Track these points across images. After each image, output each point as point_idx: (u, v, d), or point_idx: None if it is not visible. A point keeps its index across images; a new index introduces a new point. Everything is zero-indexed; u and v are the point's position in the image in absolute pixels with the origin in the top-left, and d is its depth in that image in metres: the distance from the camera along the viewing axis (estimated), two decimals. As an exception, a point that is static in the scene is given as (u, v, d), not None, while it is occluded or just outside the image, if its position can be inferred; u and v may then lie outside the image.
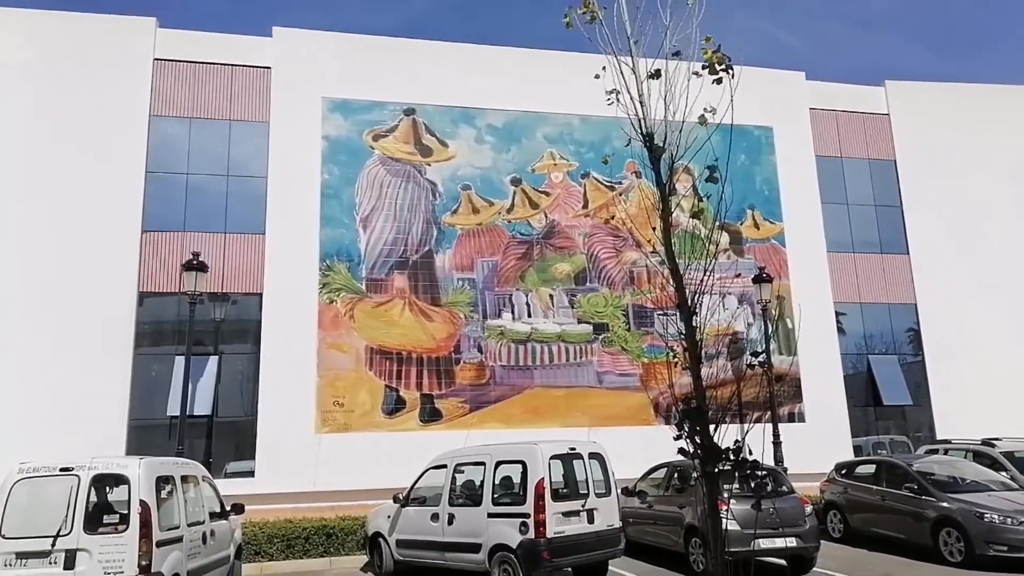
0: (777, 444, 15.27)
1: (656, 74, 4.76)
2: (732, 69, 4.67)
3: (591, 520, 9.69)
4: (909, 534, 11.64)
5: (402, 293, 17.58)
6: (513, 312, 18.09)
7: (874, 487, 12.63)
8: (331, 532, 12.40)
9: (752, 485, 4.69)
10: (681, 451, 4.68)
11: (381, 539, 11.40)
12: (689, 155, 4.84)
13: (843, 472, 13.72)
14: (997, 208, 21.21)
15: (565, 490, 9.82)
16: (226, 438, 16.57)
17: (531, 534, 9.17)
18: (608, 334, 18.39)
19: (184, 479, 8.76)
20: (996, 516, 10.50)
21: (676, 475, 11.55)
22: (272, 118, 17.77)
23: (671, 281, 4.73)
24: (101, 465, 7.74)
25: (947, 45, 72.02)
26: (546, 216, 18.87)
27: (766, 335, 17.21)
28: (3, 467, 7.89)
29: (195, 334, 14.93)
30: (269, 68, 18.07)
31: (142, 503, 7.45)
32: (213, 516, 9.40)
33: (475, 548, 9.79)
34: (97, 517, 7.60)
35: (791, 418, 18.52)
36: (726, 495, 4.90)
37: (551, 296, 18.38)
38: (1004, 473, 12.53)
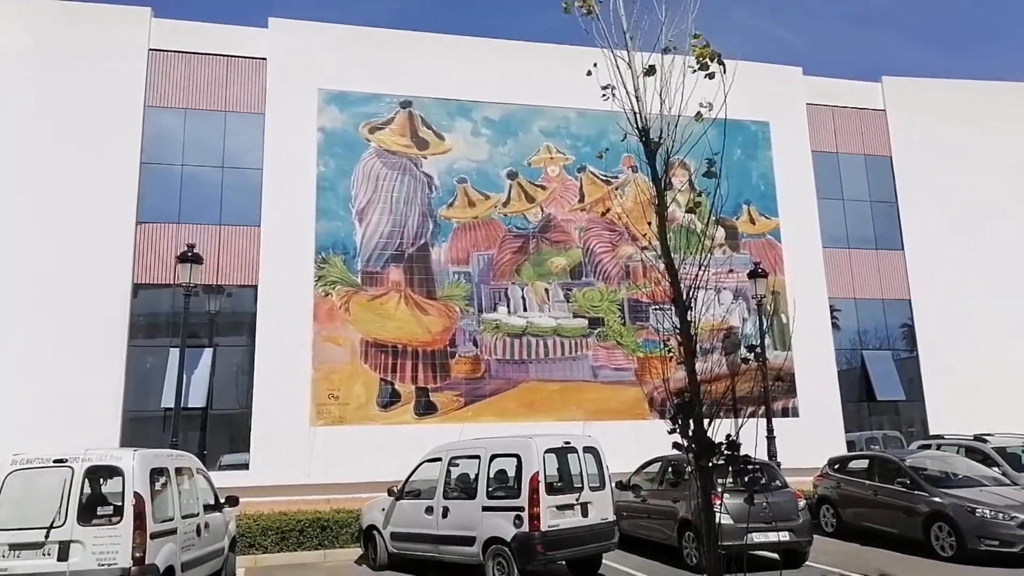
0: (771, 439, 15.34)
1: (651, 70, 4.76)
2: (724, 64, 4.66)
3: (585, 514, 9.73)
4: (901, 528, 11.72)
5: (398, 286, 17.56)
6: (509, 306, 18.09)
7: (867, 482, 12.70)
8: (325, 525, 12.41)
9: (745, 479, 4.71)
10: (675, 445, 4.70)
11: (375, 532, 11.42)
12: (685, 150, 4.84)
13: (836, 467, 13.79)
14: (993, 205, 21.26)
15: (559, 484, 9.86)
16: (221, 430, 16.56)
17: (525, 527, 9.20)
18: (603, 328, 18.41)
19: (178, 471, 8.75)
20: (987, 511, 10.57)
21: (670, 469, 11.60)
22: (268, 109, 17.69)
23: (667, 276, 4.74)
24: (95, 457, 7.73)
25: (945, 42, 72.08)
26: (542, 210, 18.85)
27: (761, 330, 17.26)
28: (-4, 458, 7.87)
29: (190, 326, 14.90)
30: (265, 59, 17.98)
31: (136, 495, 7.44)
32: (207, 508, 9.40)
33: (469, 541, 9.82)
34: (91, 509, 7.60)
35: (785, 413, 18.59)
36: (720, 489, 4.92)
37: (547, 290, 18.38)
38: (996, 469, 12.61)
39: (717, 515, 4.77)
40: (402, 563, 11.11)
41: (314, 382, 16.52)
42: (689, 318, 4.71)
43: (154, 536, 7.53)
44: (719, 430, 4.65)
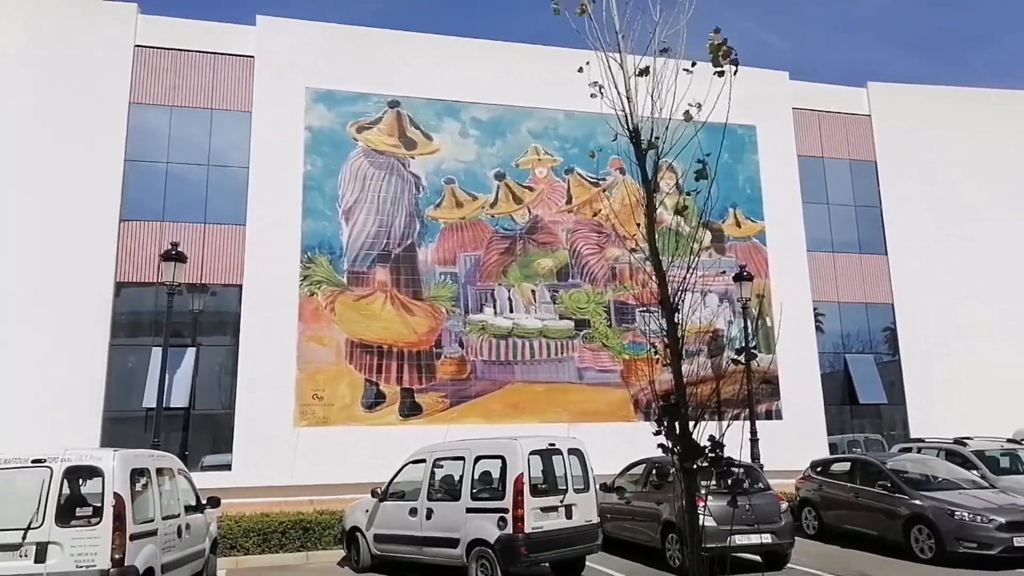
0: (754, 441, 15.41)
1: (644, 71, 4.76)
2: (737, 64, 4.66)
3: (569, 515, 9.72)
4: (882, 531, 11.81)
5: (384, 286, 17.49)
6: (495, 307, 18.08)
7: (848, 484, 12.78)
8: (308, 526, 12.32)
9: (729, 482, 4.72)
10: (661, 447, 4.71)
11: (359, 533, 11.36)
12: (674, 152, 4.85)
13: (818, 469, 13.88)
14: (976, 210, 21.51)
15: (544, 485, 9.85)
16: (203, 431, 16.41)
17: (509, 529, 9.18)
18: (589, 330, 18.44)
19: (159, 472, 8.66)
20: (966, 514, 10.68)
21: (654, 471, 11.62)
22: (255, 108, 17.58)
23: (654, 278, 4.75)
24: (74, 457, 7.62)
25: (930, 48, 72.92)
26: (529, 211, 18.86)
27: (746, 333, 17.35)
28: (-27, 458, 7.74)
29: (173, 325, 14.73)
30: (252, 57, 17.87)
31: (116, 496, 7.34)
32: (188, 509, 9.30)
33: (453, 543, 9.78)
34: (69, 510, 7.49)
35: (769, 416, 18.70)
36: (703, 491, 4.93)
37: (533, 291, 18.38)
38: (975, 472, 12.74)
39: (701, 517, 4.78)
40: (385, 565, 11.04)
41: (298, 382, 16.41)
42: (676, 320, 4.72)
43: (134, 537, 7.44)
44: (703, 432, 4.67)
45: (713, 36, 4.63)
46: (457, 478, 10.22)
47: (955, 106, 22.39)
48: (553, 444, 10.14)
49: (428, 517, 10.24)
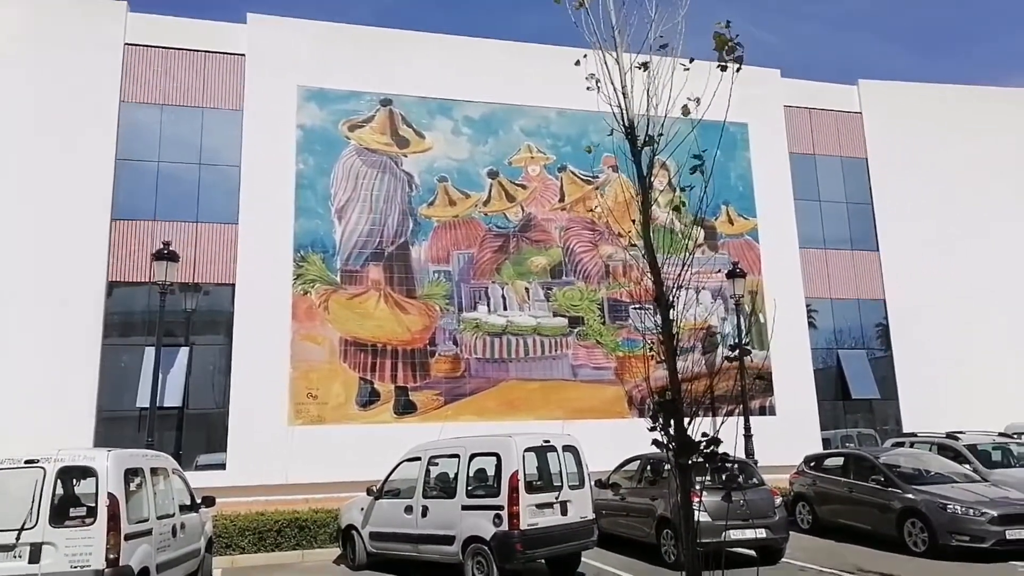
0: (748, 437, 15.49)
1: (644, 66, 4.76)
2: (740, 62, 4.67)
3: (564, 512, 9.75)
4: (875, 525, 11.90)
5: (377, 285, 17.47)
6: (489, 305, 18.08)
7: (842, 479, 12.87)
8: (303, 525, 12.31)
9: (723, 477, 4.75)
10: (655, 443, 4.73)
11: (354, 531, 11.36)
12: (669, 150, 4.86)
13: (812, 464, 13.96)
14: (966, 207, 21.62)
15: (539, 482, 9.88)
16: (197, 430, 16.36)
17: (505, 526, 9.20)
18: (583, 327, 18.46)
19: (154, 471, 8.64)
20: (959, 507, 10.77)
21: (649, 467, 11.67)
22: (246, 106, 17.51)
23: (649, 274, 4.76)
24: (68, 457, 7.60)
25: (922, 46, 73.22)
26: (522, 209, 18.86)
27: (739, 329, 17.41)
28: (-34, 459, 7.70)
29: (165, 325, 14.71)
30: (243, 55, 17.79)
31: (110, 496, 7.33)
32: (183, 509, 9.28)
33: (449, 540, 9.80)
34: (63, 510, 7.48)
35: (762, 411, 18.77)
36: (698, 487, 4.95)
37: (527, 289, 18.39)
38: (967, 466, 12.84)
39: (696, 512, 4.80)
40: (381, 563, 11.06)
41: (292, 381, 16.38)
42: (671, 317, 4.73)
43: (128, 537, 7.42)
44: (698, 429, 4.69)
45: (719, 28, 4.62)
46: (452, 476, 10.24)
47: (946, 103, 22.51)
48: (548, 441, 10.17)
49: (424, 515, 10.26)
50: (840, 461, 13.44)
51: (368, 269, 17.51)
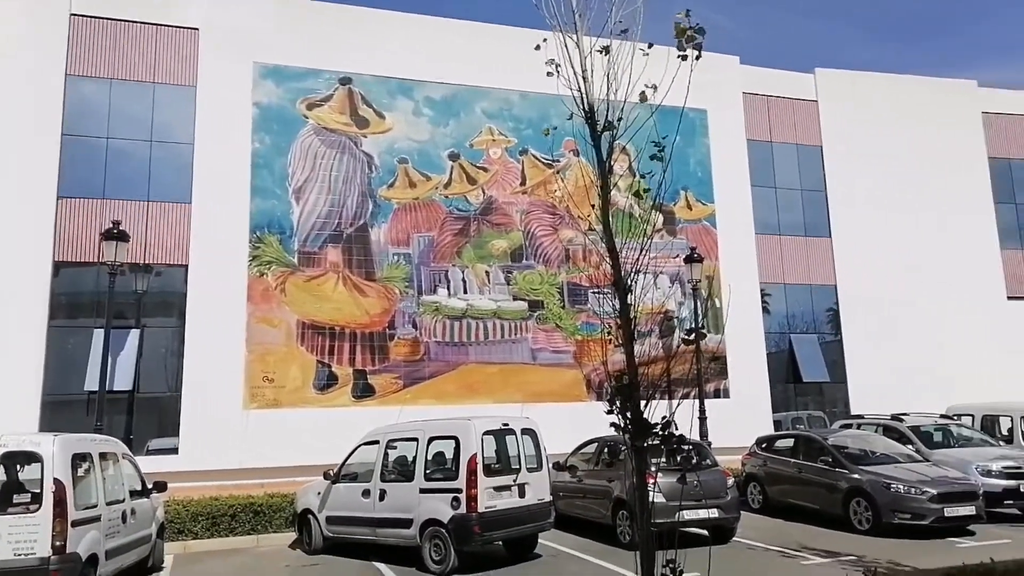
0: (703, 419, 15.79)
1: (605, 50, 4.75)
2: (700, 49, 4.68)
3: (522, 494, 9.84)
4: (823, 504, 12.27)
5: (336, 267, 17.25)
6: (449, 288, 18.01)
7: (792, 460, 13.22)
8: (258, 509, 12.19)
9: (679, 459, 4.83)
10: (612, 425, 4.77)
11: (310, 516, 11.29)
12: (628, 135, 4.87)
13: (763, 446, 14.31)
14: (915, 195, 22.23)
15: (497, 465, 9.94)
16: (148, 414, 16.00)
17: (463, 509, 9.25)
18: (543, 311, 18.53)
19: (103, 456, 8.45)
20: (901, 486, 11.17)
21: (606, 450, 11.81)
22: (200, 82, 16.99)
23: (607, 259, 4.78)
24: (11, 442, 7.39)
25: (880, 36, 74.77)
26: (484, 192, 18.77)
27: (696, 314, 17.68)
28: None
29: (115, 306, 14.30)
30: (197, 29, 17.25)
31: (56, 482, 7.14)
32: (134, 494, 9.12)
33: (406, 523, 9.81)
34: (7, 496, 7.28)
35: (717, 394, 19.14)
36: (654, 469, 5.03)
37: (487, 273, 18.36)
38: (910, 446, 13.31)
39: (651, 494, 4.87)
40: (337, 547, 11.02)
41: (248, 364, 16.12)
42: (629, 301, 4.77)
43: (76, 524, 7.26)
44: (655, 411, 4.74)
45: (680, 18, 4.63)
46: (411, 459, 10.23)
47: (897, 93, 23.04)
48: (507, 424, 10.22)
49: (381, 498, 10.24)
50: (790, 442, 13.81)
51: (326, 251, 17.26)
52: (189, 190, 16.53)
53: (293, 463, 14.53)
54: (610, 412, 4.71)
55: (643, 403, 4.70)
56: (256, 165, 17.05)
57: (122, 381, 15.32)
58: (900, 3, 73.64)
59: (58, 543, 7.01)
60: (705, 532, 10.54)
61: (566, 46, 4.77)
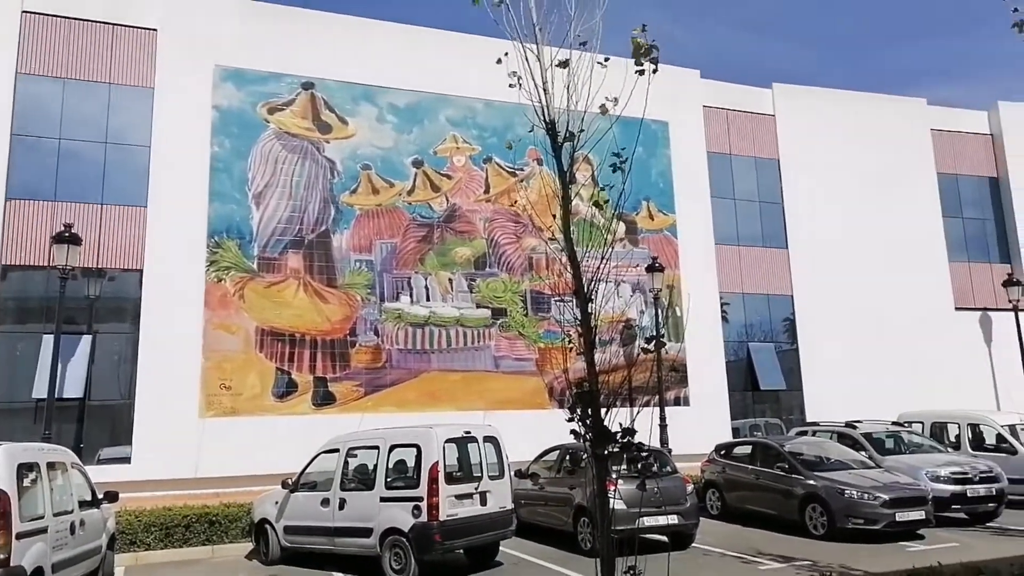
0: (663, 427, 15.96)
1: (564, 63, 4.81)
2: (656, 63, 4.76)
3: (484, 502, 9.81)
4: (780, 510, 12.49)
5: (296, 273, 17.03)
6: (411, 295, 17.92)
7: (749, 467, 13.44)
8: (214, 520, 11.93)
9: (639, 466, 4.88)
10: (573, 433, 4.81)
11: (268, 526, 11.10)
12: (590, 145, 4.93)
13: (722, 453, 14.52)
14: (867, 208, 22.87)
15: (459, 473, 9.90)
16: (100, 422, 15.56)
17: (424, 517, 9.19)
18: (506, 319, 18.55)
19: (51, 466, 8.17)
20: (855, 492, 11.45)
21: (568, 458, 11.86)
22: (157, 84, 16.66)
23: (569, 268, 4.82)
24: (-47, 452, 7.10)
25: (831, 53, 76.81)
26: (447, 200, 18.75)
27: (656, 322, 17.89)
28: None
29: (66, 312, 13.89)
30: (155, 30, 16.92)
31: (0, 492, 6.89)
32: (83, 505, 8.84)
33: (366, 533, 9.71)
34: (-52, 508, 6.97)
35: (677, 402, 19.37)
36: (614, 476, 5.07)
37: (450, 280, 18.32)
38: (863, 453, 13.64)
39: (611, 501, 4.91)
40: (295, 557, 10.84)
41: (204, 372, 15.79)
42: (590, 310, 4.81)
43: (20, 536, 7.00)
44: (615, 419, 4.79)
45: (637, 34, 4.71)
46: (371, 467, 10.13)
47: (851, 110, 23.70)
48: (468, 432, 10.20)
49: (341, 507, 10.12)
50: (748, 449, 14.04)
51: (287, 257, 17.03)
52: (145, 193, 16.17)
53: (250, 472, 14.27)
54: (571, 420, 4.74)
55: (604, 411, 4.75)
56: (215, 169, 16.77)
57: (73, 388, 14.87)
58: (849, 23, 75.90)
59: (2, 556, 6.76)
60: (665, 538, 10.64)
61: (527, 59, 4.82)
